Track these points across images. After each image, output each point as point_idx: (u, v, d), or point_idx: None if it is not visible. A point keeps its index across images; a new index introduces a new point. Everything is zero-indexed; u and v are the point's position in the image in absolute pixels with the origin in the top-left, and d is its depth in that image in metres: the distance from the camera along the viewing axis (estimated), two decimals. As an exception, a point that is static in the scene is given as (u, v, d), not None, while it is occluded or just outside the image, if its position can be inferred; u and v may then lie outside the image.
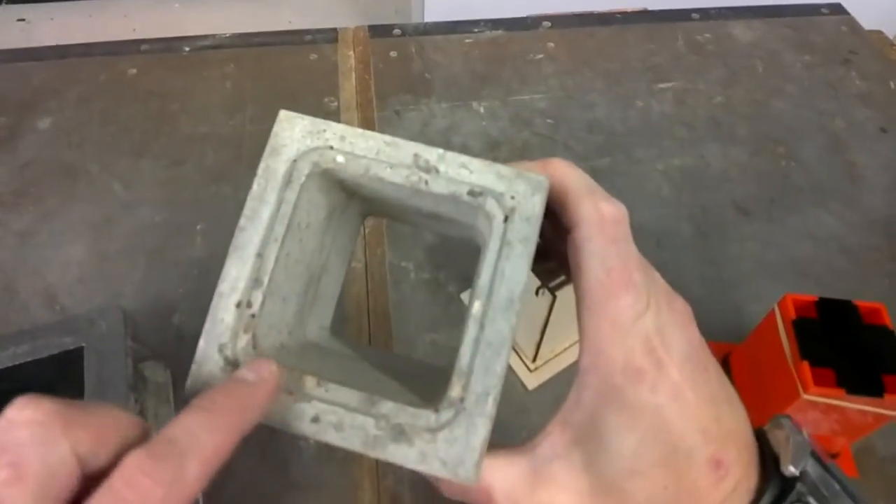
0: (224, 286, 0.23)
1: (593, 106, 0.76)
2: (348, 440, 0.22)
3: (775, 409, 0.44)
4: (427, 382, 0.25)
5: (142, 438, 0.19)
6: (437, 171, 0.23)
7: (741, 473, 0.22)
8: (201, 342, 0.22)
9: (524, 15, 0.87)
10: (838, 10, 0.91)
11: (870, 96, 0.78)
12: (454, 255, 0.60)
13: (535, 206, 0.23)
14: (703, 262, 0.62)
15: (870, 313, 0.43)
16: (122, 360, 0.40)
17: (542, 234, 0.23)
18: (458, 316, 0.56)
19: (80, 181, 0.66)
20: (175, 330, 0.55)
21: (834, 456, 0.49)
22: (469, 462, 0.21)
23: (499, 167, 0.23)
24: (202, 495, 0.46)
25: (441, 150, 0.23)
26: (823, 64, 0.82)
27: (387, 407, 0.22)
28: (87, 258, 0.60)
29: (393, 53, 0.81)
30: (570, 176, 0.24)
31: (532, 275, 0.23)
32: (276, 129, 0.24)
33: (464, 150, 0.71)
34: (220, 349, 0.22)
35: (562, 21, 0.87)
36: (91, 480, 0.17)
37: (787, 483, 0.22)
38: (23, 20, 1.91)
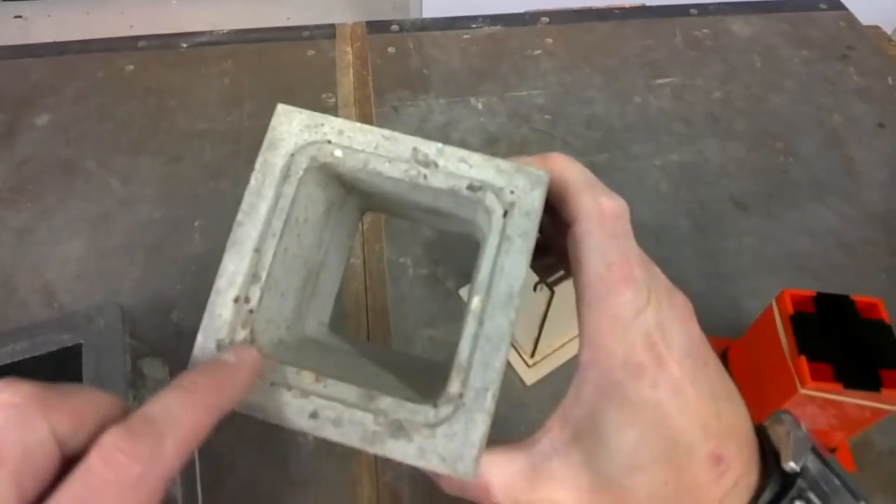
0: (222, 281, 0.23)
1: (591, 102, 0.76)
2: (347, 436, 0.22)
3: (773, 404, 0.44)
4: (426, 378, 0.25)
5: (120, 417, 0.19)
6: (437, 165, 0.23)
7: (742, 469, 0.22)
8: (199, 337, 0.22)
9: (522, 10, 0.87)
10: (836, 5, 0.91)
11: (867, 91, 0.78)
12: (452, 251, 0.60)
13: (534, 201, 0.22)
14: (702, 257, 0.62)
15: (867, 308, 0.43)
16: (120, 357, 0.40)
17: (541, 229, 0.23)
18: (457, 311, 0.56)
19: (77, 178, 0.66)
20: (173, 326, 0.55)
21: (832, 450, 0.49)
22: (468, 457, 0.21)
23: (498, 161, 0.23)
24: (200, 494, 0.46)
25: (440, 145, 0.23)
26: (821, 59, 0.82)
27: (385, 402, 0.22)
28: (86, 255, 0.60)
29: (391, 49, 0.81)
30: (570, 170, 0.23)
31: (530, 270, 0.22)
32: (273, 122, 0.24)
33: (462, 145, 0.70)
34: (218, 344, 0.22)
35: (560, 17, 0.87)
36: (71, 462, 0.17)
37: (788, 479, 0.22)
38: (20, 17, 1.90)
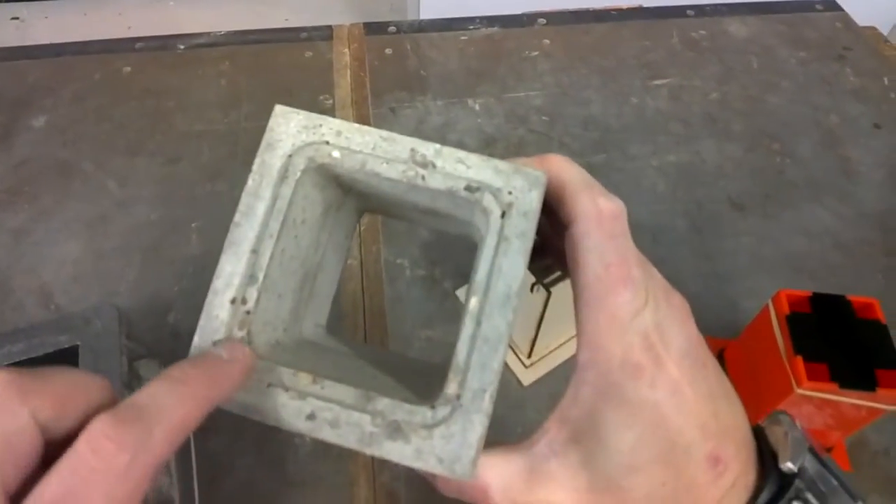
0: (219, 282, 0.23)
1: (588, 103, 0.76)
2: (344, 437, 0.22)
3: (769, 404, 0.44)
4: (423, 379, 0.25)
5: (108, 402, 0.19)
6: (434, 166, 0.23)
7: (739, 469, 0.22)
8: (196, 338, 0.22)
9: (520, 12, 0.87)
10: (833, 6, 0.91)
11: (864, 92, 0.78)
12: (449, 252, 0.60)
13: (532, 202, 0.22)
14: (699, 257, 0.62)
15: (863, 308, 0.44)
16: (117, 359, 0.40)
17: (538, 230, 0.23)
18: (454, 312, 0.56)
19: (75, 179, 0.66)
20: (170, 328, 0.55)
21: (828, 450, 0.49)
22: (466, 459, 0.21)
23: (496, 162, 0.23)
24: (198, 495, 0.46)
25: (438, 146, 0.23)
26: (818, 60, 0.82)
27: (383, 404, 0.22)
28: (83, 256, 0.60)
29: (388, 51, 0.81)
30: (568, 171, 0.23)
31: (528, 271, 0.22)
32: (271, 123, 0.24)
33: (459, 147, 0.71)
34: (215, 346, 0.22)
35: (557, 18, 0.87)
36: (57, 447, 0.17)
37: (786, 479, 0.22)
38: (17, 18, 1.90)
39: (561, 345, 0.54)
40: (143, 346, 0.46)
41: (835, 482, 0.22)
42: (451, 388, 0.21)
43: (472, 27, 0.85)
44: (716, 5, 0.89)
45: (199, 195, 0.65)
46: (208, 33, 0.82)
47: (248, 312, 0.22)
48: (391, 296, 0.58)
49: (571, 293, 0.23)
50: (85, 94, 0.74)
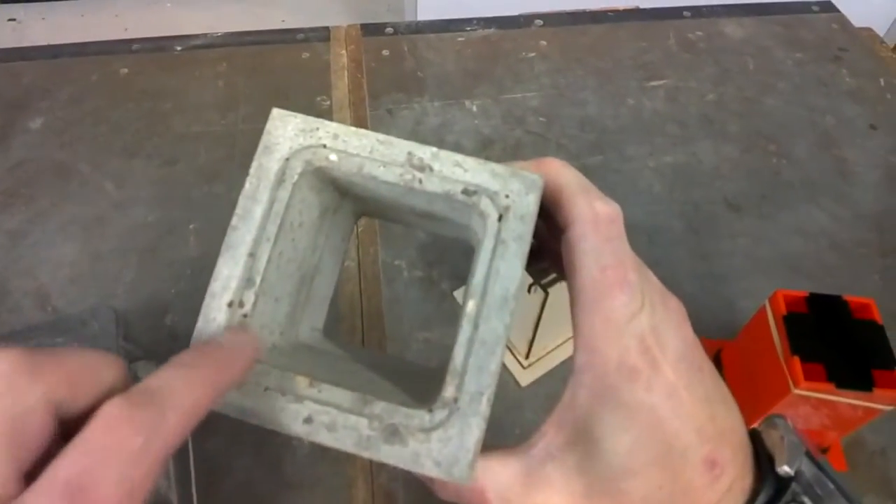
0: (216, 286, 0.23)
1: (585, 104, 0.76)
2: (341, 441, 0.22)
3: (766, 405, 0.44)
4: (420, 383, 0.25)
5: (122, 383, 0.19)
6: (431, 169, 0.23)
7: (736, 473, 0.22)
8: (193, 342, 0.22)
9: (517, 13, 0.87)
10: (828, 7, 0.91)
11: (860, 93, 0.79)
12: (447, 253, 0.60)
13: (529, 205, 0.23)
14: (695, 258, 0.62)
15: (859, 308, 0.44)
16: (115, 360, 0.40)
17: (535, 234, 0.23)
18: (452, 313, 0.56)
19: (72, 181, 0.66)
20: (168, 330, 0.55)
21: (825, 450, 0.49)
22: (463, 462, 0.21)
23: (493, 166, 0.23)
24: (196, 496, 0.46)
25: (435, 149, 0.23)
26: (814, 61, 0.83)
27: (380, 407, 0.22)
28: (80, 258, 0.60)
29: (385, 52, 0.81)
30: (565, 175, 0.24)
31: (525, 273, 0.23)
32: (268, 127, 0.24)
33: (456, 148, 0.71)
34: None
35: (554, 19, 0.87)
36: (71, 427, 0.17)
37: (782, 483, 0.22)
38: (13, 20, 1.90)
39: (558, 346, 0.54)
40: (140, 348, 0.46)
41: (831, 485, 0.22)
42: (448, 391, 0.21)
43: (469, 28, 0.85)
44: (712, 7, 0.90)
45: (197, 197, 0.65)
46: (205, 35, 0.82)
47: (245, 316, 0.23)
48: (389, 297, 0.58)
49: (568, 295, 0.23)
50: (82, 95, 0.74)
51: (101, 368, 0.18)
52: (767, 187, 0.68)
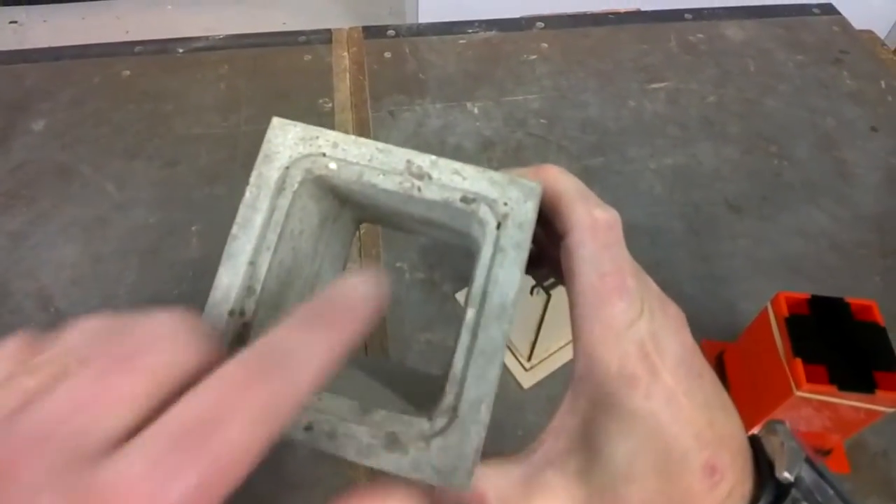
0: (216, 295, 0.23)
1: (586, 106, 0.76)
2: (341, 449, 0.22)
3: (769, 407, 0.44)
4: (421, 390, 0.25)
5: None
6: (430, 177, 0.23)
7: (736, 479, 0.22)
8: None
9: (518, 16, 0.87)
10: (829, 10, 0.91)
11: (861, 95, 0.79)
12: (448, 255, 0.60)
13: (527, 213, 0.23)
14: (696, 259, 0.62)
15: (861, 310, 0.44)
16: (117, 362, 0.40)
17: (535, 241, 0.23)
18: (454, 315, 0.56)
19: (73, 182, 0.66)
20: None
21: (827, 452, 0.49)
22: (462, 470, 0.21)
23: (491, 173, 0.23)
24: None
25: (434, 157, 0.24)
26: (815, 63, 0.83)
27: (380, 415, 0.22)
28: (81, 260, 0.60)
29: (387, 54, 0.81)
30: (563, 182, 0.24)
31: (526, 277, 0.23)
32: (268, 135, 0.24)
33: (458, 150, 0.71)
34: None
35: (555, 21, 0.87)
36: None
37: (782, 488, 0.22)
38: (15, 22, 1.90)
39: (561, 348, 0.54)
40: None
41: (831, 492, 0.22)
42: (447, 399, 0.21)
43: (470, 31, 0.85)
44: (713, 9, 0.90)
45: (198, 198, 0.65)
46: (207, 37, 0.82)
47: (245, 325, 0.23)
48: (391, 299, 0.58)
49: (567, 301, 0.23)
50: (83, 97, 0.74)
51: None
52: (768, 189, 0.68)
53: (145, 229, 0.62)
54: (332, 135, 0.24)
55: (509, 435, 0.49)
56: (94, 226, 0.62)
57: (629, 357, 0.21)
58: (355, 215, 0.29)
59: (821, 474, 0.22)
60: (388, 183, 0.23)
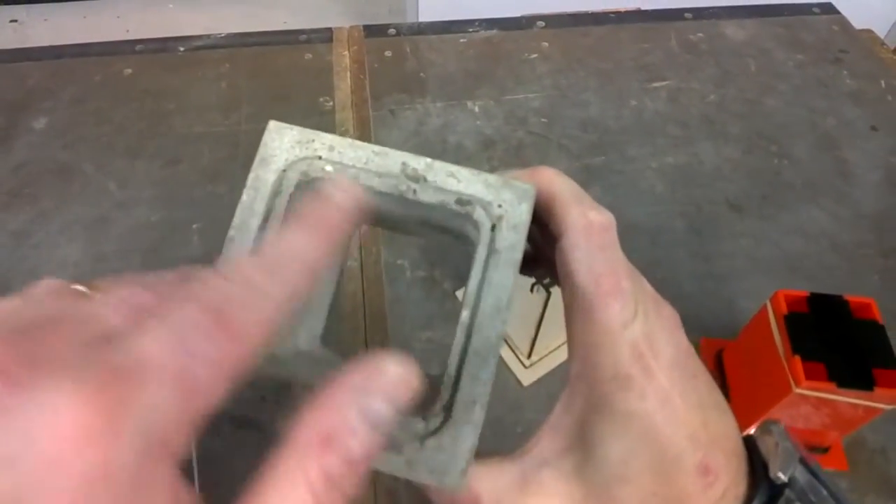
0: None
1: (587, 105, 0.76)
2: None
3: (768, 404, 0.44)
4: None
5: None
6: (426, 180, 0.24)
7: (730, 480, 0.22)
8: None
9: (518, 14, 0.88)
10: (829, 9, 0.91)
11: (861, 94, 0.79)
12: (449, 253, 0.61)
13: (521, 215, 0.23)
14: (697, 258, 0.62)
15: (860, 308, 0.44)
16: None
17: (531, 242, 0.23)
18: (454, 313, 0.57)
19: (75, 181, 0.66)
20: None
21: (825, 450, 0.49)
22: (456, 470, 0.21)
23: (486, 176, 0.23)
24: (198, 495, 0.46)
25: (429, 160, 0.24)
26: (815, 63, 0.83)
27: None
28: (83, 258, 0.60)
29: (388, 53, 0.82)
30: (558, 184, 0.24)
31: (523, 277, 0.23)
32: (265, 139, 0.24)
33: (459, 149, 0.71)
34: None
35: (556, 20, 0.87)
36: None
37: (776, 489, 0.22)
38: (16, 21, 1.90)
39: (560, 345, 0.54)
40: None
41: (825, 492, 0.22)
42: (442, 399, 0.22)
43: (471, 30, 0.85)
44: (713, 8, 0.90)
45: (200, 197, 0.65)
46: (208, 35, 0.82)
47: None
48: (391, 297, 0.58)
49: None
50: (85, 96, 0.74)
51: None
52: (768, 188, 0.69)
53: (147, 228, 0.62)
54: (329, 138, 0.24)
55: (509, 432, 0.49)
56: (96, 224, 0.62)
57: (624, 358, 0.21)
58: None
59: (815, 474, 0.22)
60: (384, 186, 0.24)
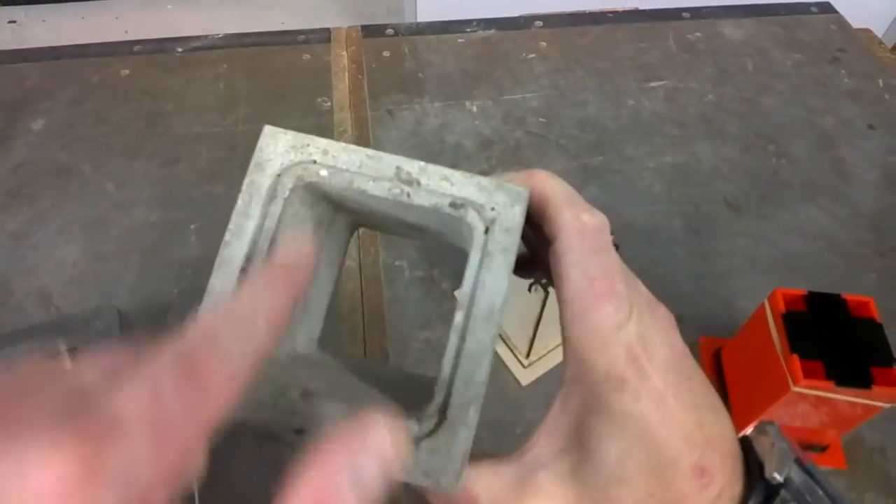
0: (209, 300, 0.23)
1: (585, 104, 0.76)
2: None
3: (766, 403, 0.44)
4: (411, 393, 0.25)
5: None
6: (419, 183, 0.24)
7: (725, 480, 0.22)
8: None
9: (516, 14, 0.88)
10: (827, 8, 0.91)
11: (858, 93, 0.79)
12: (447, 253, 0.61)
13: (515, 217, 0.23)
14: (695, 257, 0.62)
15: (858, 306, 0.44)
16: (117, 359, 0.41)
17: (526, 244, 0.23)
18: (452, 313, 0.56)
19: (73, 182, 0.66)
20: (170, 330, 0.55)
21: (824, 448, 0.49)
22: (451, 472, 0.21)
23: (479, 179, 0.23)
24: (197, 497, 0.46)
25: (423, 163, 0.24)
26: (813, 62, 0.83)
27: None
28: (81, 258, 0.60)
29: (386, 53, 0.82)
30: (551, 186, 0.24)
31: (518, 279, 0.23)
32: (260, 143, 0.24)
33: (457, 149, 0.71)
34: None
35: (553, 20, 0.87)
36: None
37: (772, 490, 0.22)
38: (14, 22, 1.90)
39: (559, 345, 0.54)
40: (142, 348, 0.46)
41: (820, 492, 0.22)
42: (436, 401, 0.22)
43: (469, 30, 0.85)
44: (711, 8, 0.90)
45: (198, 197, 0.65)
46: (206, 36, 0.82)
47: None
48: (390, 297, 0.58)
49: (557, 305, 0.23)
50: (83, 96, 0.74)
51: None
52: (766, 187, 0.69)
53: (145, 228, 0.62)
54: (323, 142, 0.24)
55: (508, 432, 0.49)
56: (94, 225, 0.62)
57: (618, 360, 0.21)
58: (350, 220, 0.29)
59: (810, 474, 0.22)
60: (378, 189, 0.24)
